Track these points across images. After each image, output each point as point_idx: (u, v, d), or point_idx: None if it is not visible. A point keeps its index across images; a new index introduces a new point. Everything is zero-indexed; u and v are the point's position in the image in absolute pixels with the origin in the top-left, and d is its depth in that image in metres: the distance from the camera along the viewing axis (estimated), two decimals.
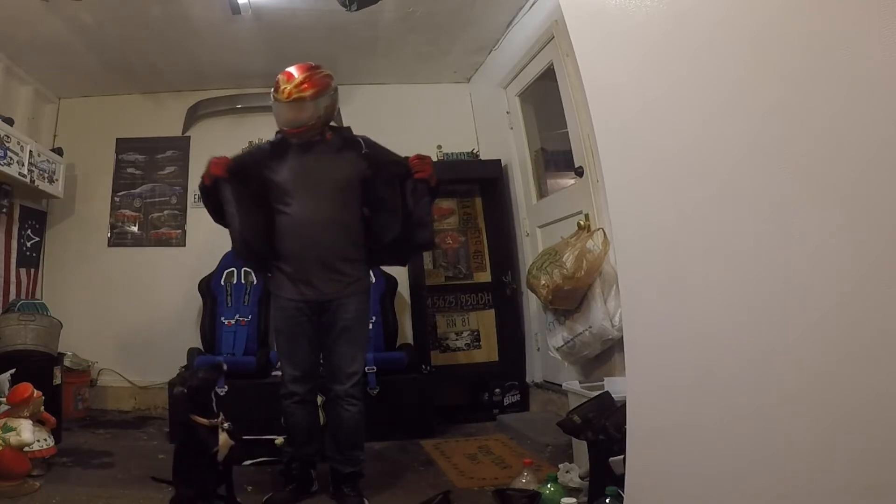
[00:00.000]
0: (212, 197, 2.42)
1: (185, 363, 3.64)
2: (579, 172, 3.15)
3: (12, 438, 2.38)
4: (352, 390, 2.37)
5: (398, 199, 2.43)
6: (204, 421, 2.18)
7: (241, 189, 2.38)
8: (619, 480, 1.69)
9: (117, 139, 4.42)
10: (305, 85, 2.26)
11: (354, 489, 2.36)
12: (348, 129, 2.55)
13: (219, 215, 2.45)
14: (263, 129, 2.50)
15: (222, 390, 3.15)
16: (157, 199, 4.40)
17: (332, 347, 2.40)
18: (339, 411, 2.38)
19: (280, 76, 2.30)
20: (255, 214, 2.38)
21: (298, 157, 2.39)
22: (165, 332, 4.13)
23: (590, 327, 2.75)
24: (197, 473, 2.18)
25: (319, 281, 2.35)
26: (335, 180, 2.38)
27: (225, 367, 2.34)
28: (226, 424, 2.22)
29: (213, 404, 2.23)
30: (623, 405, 1.53)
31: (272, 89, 2.31)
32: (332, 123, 2.50)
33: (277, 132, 2.43)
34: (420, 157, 2.44)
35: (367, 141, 2.47)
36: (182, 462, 2.23)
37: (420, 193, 2.42)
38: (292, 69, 2.31)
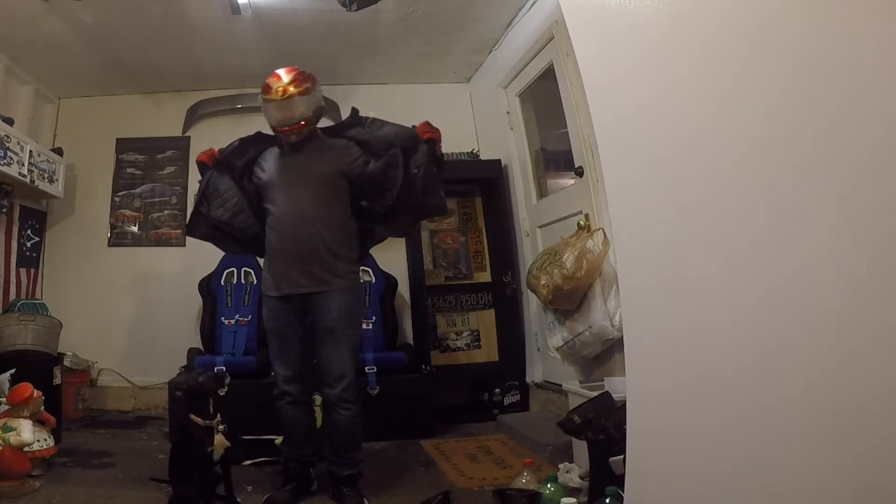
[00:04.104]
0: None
1: (185, 363, 3.64)
2: (579, 172, 3.15)
3: (12, 438, 2.38)
4: (343, 394, 2.32)
5: (398, 174, 2.42)
6: (200, 421, 2.20)
7: (225, 177, 2.51)
8: (619, 480, 1.69)
9: (117, 139, 4.42)
10: (296, 82, 2.32)
11: (354, 489, 2.35)
12: (353, 113, 2.59)
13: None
14: (263, 129, 2.53)
15: (223, 391, 3.15)
16: (157, 199, 4.40)
17: (319, 350, 2.36)
18: (333, 415, 2.35)
19: (268, 80, 2.36)
20: (230, 197, 2.49)
21: (287, 156, 2.45)
22: (165, 332, 4.13)
23: (590, 327, 2.75)
24: (194, 472, 2.18)
25: (298, 275, 2.34)
26: (318, 174, 2.39)
27: (228, 379, 2.35)
28: (221, 426, 2.23)
29: (210, 407, 2.24)
30: (623, 405, 1.53)
31: (261, 93, 2.37)
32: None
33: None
34: (428, 123, 2.49)
35: (375, 121, 2.53)
36: (178, 461, 2.24)
37: (428, 158, 2.43)
38: (279, 72, 2.36)
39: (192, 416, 2.21)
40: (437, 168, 2.49)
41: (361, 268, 3.62)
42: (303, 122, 2.35)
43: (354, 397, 2.36)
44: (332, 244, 2.37)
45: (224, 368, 3.23)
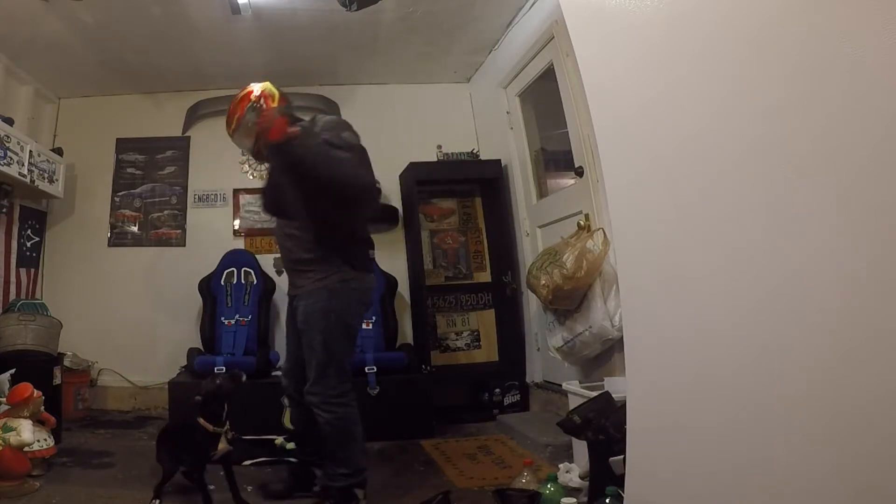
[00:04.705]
0: None
1: (186, 363, 3.64)
2: (579, 172, 3.15)
3: (12, 438, 2.38)
4: (312, 398, 2.22)
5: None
6: (208, 426, 2.18)
7: None
8: (619, 480, 1.69)
9: (117, 139, 4.42)
10: (228, 121, 2.35)
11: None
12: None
13: None
14: None
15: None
16: (157, 199, 4.40)
17: None
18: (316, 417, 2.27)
19: None
20: None
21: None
22: (165, 332, 4.13)
23: (590, 327, 2.75)
24: (194, 472, 2.20)
25: (289, 281, 2.44)
26: (280, 185, 2.34)
27: (244, 378, 2.35)
28: (230, 434, 2.23)
29: (224, 413, 2.23)
30: (623, 405, 1.53)
31: None
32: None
33: None
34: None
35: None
36: (168, 446, 2.31)
37: (275, 159, 2.25)
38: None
39: (202, 421, 2.19)
40: (283, 167, 2.19)
41: None
42: (254, 151, 2.37)
43: (325, 405, 2.21)
44: (295, 251, 2.30)
45: (224, 368, 3.23)
